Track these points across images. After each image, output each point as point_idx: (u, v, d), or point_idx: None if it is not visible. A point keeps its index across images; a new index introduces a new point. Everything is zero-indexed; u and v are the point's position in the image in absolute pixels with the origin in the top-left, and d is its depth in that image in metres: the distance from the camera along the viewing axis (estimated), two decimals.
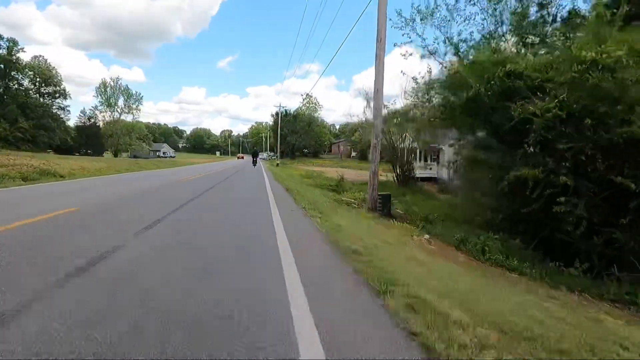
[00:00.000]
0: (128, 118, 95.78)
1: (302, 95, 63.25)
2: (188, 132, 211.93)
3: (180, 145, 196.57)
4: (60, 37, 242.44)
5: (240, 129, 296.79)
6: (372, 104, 12.32)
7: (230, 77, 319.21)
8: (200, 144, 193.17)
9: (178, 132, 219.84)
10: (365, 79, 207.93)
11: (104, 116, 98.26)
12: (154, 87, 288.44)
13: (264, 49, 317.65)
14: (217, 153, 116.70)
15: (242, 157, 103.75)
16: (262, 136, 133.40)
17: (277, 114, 59.79)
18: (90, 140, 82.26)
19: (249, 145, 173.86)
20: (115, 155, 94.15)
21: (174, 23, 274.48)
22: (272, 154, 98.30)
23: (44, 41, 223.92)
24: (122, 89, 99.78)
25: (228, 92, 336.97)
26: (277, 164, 38.61)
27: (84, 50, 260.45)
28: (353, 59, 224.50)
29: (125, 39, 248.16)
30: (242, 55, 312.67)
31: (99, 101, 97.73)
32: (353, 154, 65.81)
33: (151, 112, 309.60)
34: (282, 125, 55.10)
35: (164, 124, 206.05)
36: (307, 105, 65.82)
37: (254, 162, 38.83)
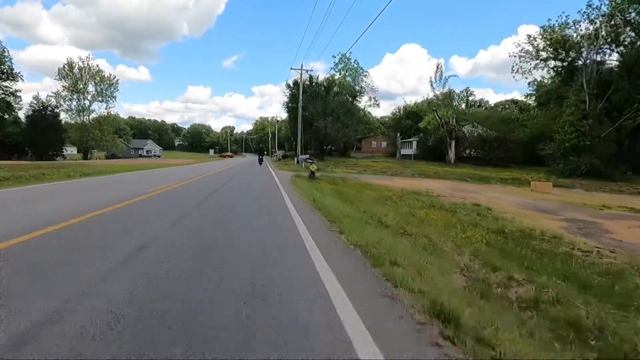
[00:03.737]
0: (101, 108, 72.69)
1: (334, 56, 39.33)
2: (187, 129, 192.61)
3: (176, 143, 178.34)
4: (66, 36, 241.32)
5: (244, 127, 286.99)
6: None
7: (236, 76, 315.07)
8: (199, 141, 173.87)
9: (176, 129, 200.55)
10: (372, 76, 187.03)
11: (69, 105, 76.73)
12: (159, 86, 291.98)
13: (270, 48, 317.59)
14: (211, 152, 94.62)
15: (232, 156, 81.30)
16: (269, 131, 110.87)
17: (295, 83, 37.01)
18: (47, 135, 60.44)
19: (253, 142, 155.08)
20: (85, 155, 73.58)
21: (180, 22, 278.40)
22: (280, 152, 75.10)
23: (50, 41, 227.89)
24: (94, 71, 78.29)
25: (233, 92, 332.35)
26: (313, 174, 15.37)
27: (90, 49, 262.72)
28: (359, 57, 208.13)
29: (131, 38, 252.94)
30: (247, 54, 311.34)
31: (63, 86, 75.70)
32: (408, 151, 43.06)
33: (156, 112, 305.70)
34: (304, 103, 32.37)
35: (162, 121, 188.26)
36: (343, 72, 42.25)
37: (260, 161, 35.71)
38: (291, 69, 31.13)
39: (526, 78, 35.37)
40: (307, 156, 16.18)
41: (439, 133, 34.73)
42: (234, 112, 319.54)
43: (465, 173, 27.15)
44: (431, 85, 37.95)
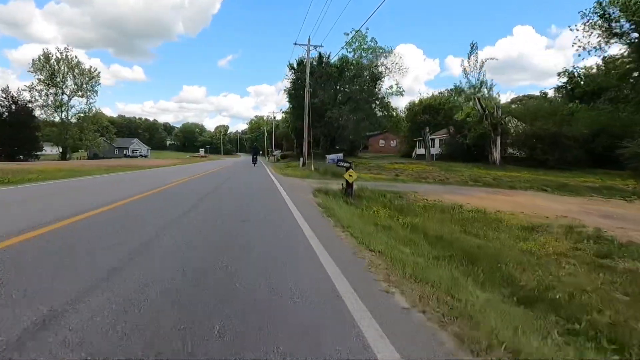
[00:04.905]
0: (81, 104, 69.15)
1: (346, 34, 31.32)
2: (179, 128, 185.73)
3: (167, 143, 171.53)
4: (60, 35, 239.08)
5: (240, 127, 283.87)
6: None
7: (231, 75, 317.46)
8: (191, 140, 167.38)
9: (168, 128, 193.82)
10: None
11: (46, 100, 70.09)
12: (154, 86, 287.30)
13: (265, 48, 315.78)
14: (201, 151, 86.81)
15: (205, 157, 74.40)
16: (264, 130, 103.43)
17: (300, 63, 29.30)
18: (21, 133, 53.03)
19: (247, 142, 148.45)
20: (64, 154, 66.08)
21: (176, 21, 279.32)
22: (278, 152, 67.90)
23: (44, 39, 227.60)
24: (73, 63, 71.56)
25: (228, 91, 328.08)
26: (350, 187, 8.45)
27: (84, 48, 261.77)
28: None
29: (126, 37, 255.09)
30: (243, 54, 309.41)
31: (37, 79, 68.73)
32: (430, 150, 35.74)
33: (151, 111, 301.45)
34: (311, 89, 25.21)
35: (154, 120, 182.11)
36: (358, 51, 33.90)
37: (254, 161, 31.28)
38: (295, 44, 23.99)
39: (598, 55, 28.29)
40: (341, 155, 9.41)
41: (481, 127, 27.63)
42: (229, 112, 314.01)
43: (534, 179, 20.10)
44: (464, 70, 30.99)
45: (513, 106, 44.75)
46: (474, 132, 28.46)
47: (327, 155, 8.95)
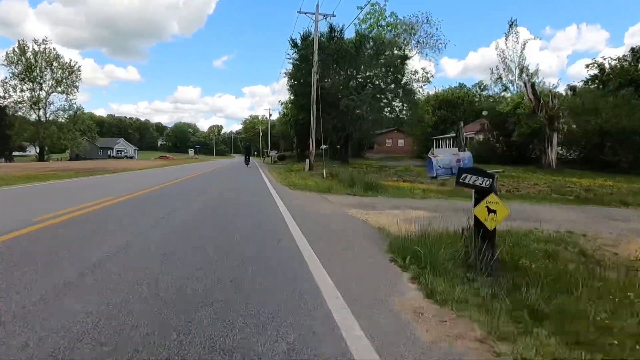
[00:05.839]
0: (61, 100, 63.62)
1: (359, 8, 24.84)
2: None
3: (159, 143, 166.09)
4: (53, 34, 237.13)
5: (235, 128, 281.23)
6: None
7: (226, 76, 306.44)
8: (183, 141, 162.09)
9: (160, 128, 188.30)
10: None
11: (21, 96, 64.69)
12: (148, 86, 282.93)
13: (261, 48, 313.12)
14: (190, 152, 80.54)
15: (168, 157, 68.98)
16: (260, 129, 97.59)
17: (304, 38, 22.69)
18: None
19: (242, 142, 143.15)
20: (41, 155, 60.29)
21: (170, 21, 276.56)
22: (274, 152, 61.86)
23: (37, 39, 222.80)
24: (52, 56, 66.02)
25: (223, 92, 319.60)
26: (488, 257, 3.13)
27: (78, 48, 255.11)
28: None
29: (120, 37, 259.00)
30: (238, 54, 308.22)
31: (11, 72, 63.17)
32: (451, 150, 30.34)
33: (145, 112, 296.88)
34: (320, 69, 19.43)
35: (145, 120, 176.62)
36: (375, 27, 26.82)
37: (247, 161, 31.56)
38: (299, 12, 18.17)
39: None
40: (466, 157, 4.46)
41: (535, 121, 21.72)
42: (224, 113, 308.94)
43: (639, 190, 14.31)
44: (501, 55, 25.13)
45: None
46: (525, 128, 22.60)
47: (431, 157, 4.41)
